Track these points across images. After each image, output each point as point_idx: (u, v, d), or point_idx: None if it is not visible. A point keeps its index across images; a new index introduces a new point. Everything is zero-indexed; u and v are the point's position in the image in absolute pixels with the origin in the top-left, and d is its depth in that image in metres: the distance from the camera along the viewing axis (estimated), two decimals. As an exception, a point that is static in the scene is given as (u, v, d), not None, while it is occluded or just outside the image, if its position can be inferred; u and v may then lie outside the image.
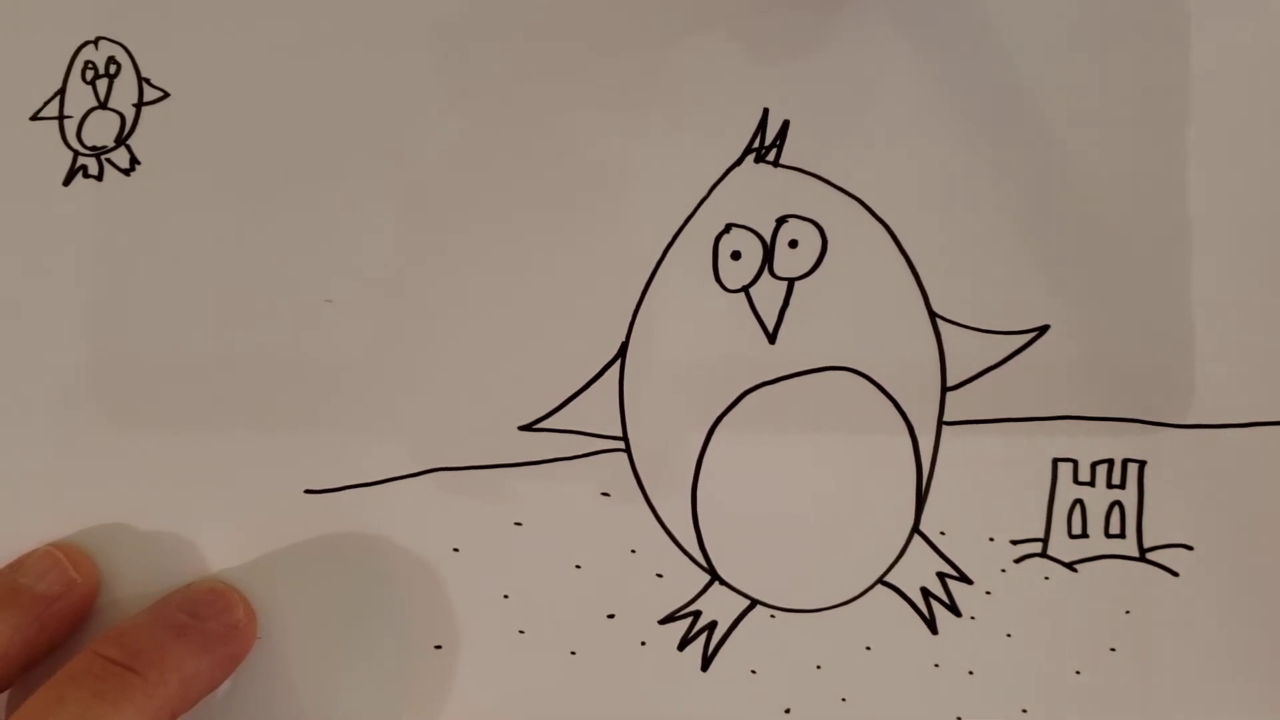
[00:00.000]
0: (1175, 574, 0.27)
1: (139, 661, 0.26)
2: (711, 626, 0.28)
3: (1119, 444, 0.27)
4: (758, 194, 0.28)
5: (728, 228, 0.28)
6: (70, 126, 0.30)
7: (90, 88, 0.30)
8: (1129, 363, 0.27)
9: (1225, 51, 0.27)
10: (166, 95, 0.30)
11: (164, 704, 0.26)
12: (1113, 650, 0.27)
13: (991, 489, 0.27)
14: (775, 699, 0.28)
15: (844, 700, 0.27)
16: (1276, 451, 0.27)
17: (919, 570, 0.27)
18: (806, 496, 0.28)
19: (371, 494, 0.29)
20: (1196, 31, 0.27)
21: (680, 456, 0.28)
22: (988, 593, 0.27)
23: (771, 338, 0.28)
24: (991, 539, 0.27)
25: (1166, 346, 0.27)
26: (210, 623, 0.28)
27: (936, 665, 0.27)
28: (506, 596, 0.28)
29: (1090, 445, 0.27)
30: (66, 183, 0.30)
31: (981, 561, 0.27)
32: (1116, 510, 0.27)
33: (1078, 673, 0.27)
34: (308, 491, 0.29)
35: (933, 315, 0.27)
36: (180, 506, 0.29)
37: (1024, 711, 0.27)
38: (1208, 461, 0.27)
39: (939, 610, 0.27)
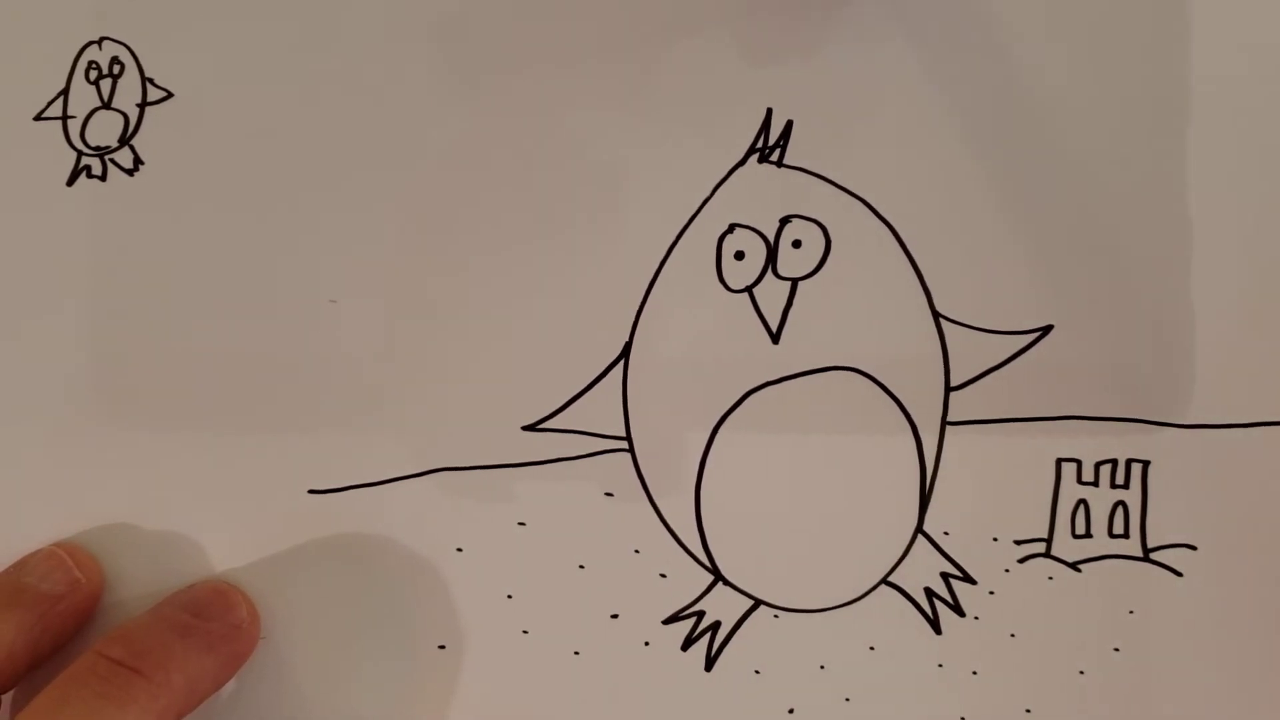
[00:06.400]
0: (1179, 574, 0.27)
1: (143, 662, 0.26)
2: (715, 627, 0.28)
3: (1122, 444, 0.27)
4: (761, 194, 0.28)
5: (731, 228, 0.28)
6: (74, 127, 0.30)
7: (94, 88, 0.30)
8: (1132, 363, 0.27)
9: (1226, 51, 0.27)
10: (170, 95, 0.30)
11: (168, 705, 0.26)
12: (1116, 650, 0.27)
13: (995, 489, 0.27)
14: (779, 699, 0.28)
15: (847, 700, 0.27)
16: (1280, 451, 0.27)
17: (923, 570, 0.27)
18: (810, 496, 0.28)
19: (375, 494, 0.29)
20: (1197, 31, 0.27)
21: (683, 456, 0.28)
22: (991, 593, 0.27)
23: (775, 338, 0.28)
24: (995, 539, 0.27)
25: (1170, 346, 0.27)
26: (214, 623, 0.28)
27: (940, 665, 0.27)
28: (510, 596, 0.28)
29: (1094, 445, 0.27)
30: (70, 183, 0.30)
31: (985, 561, 0.27)
32: (1120, 510, 0.27)
33: (1081, 673, 0.27)
34: (311, 491, 0.29)
35: (936, 315, 0.27)
36: (184, 506, 0.29)
37: (1027, 711, 0.27)
38: (1212, 462, 0.27)
39: (943, 610, 0.27)
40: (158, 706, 0.26)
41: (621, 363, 0.28)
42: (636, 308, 0.28)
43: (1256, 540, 0.27)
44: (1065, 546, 0.27)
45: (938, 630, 0.27)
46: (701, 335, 0.28)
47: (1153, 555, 0.27)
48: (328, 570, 0.29)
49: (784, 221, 0.28)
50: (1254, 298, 0.27)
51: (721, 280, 0.28)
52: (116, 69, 0.30)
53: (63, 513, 0.30)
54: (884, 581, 0.28)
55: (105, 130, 0.30)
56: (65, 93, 0.30)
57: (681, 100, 0.28)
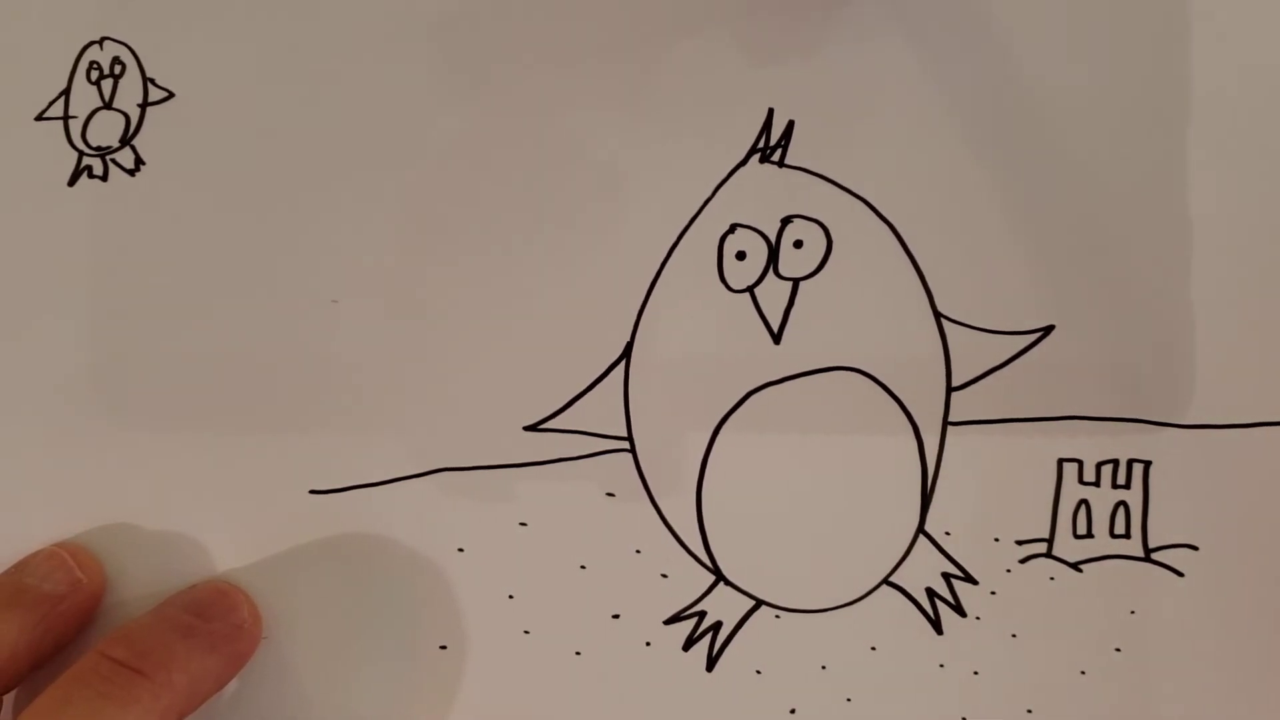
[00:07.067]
0: (1180, 574, 0.27)
1: (146, 662, 0.26)
2: (716, 627, 0.28)
3: (1124, 444, 0.27)
4: (762, 194, 0.28)
5: (732, 228, 0.28)
6: (75, 127, 0.30)
7: (95, 88, 0.30)
8: (1134, 363, 0.27)
9: (1225, 51, 0.27)
10: (171, 95, 0.30)
11: (171, 705, 0.26)
12: (1117, 650, 0.27)
13: (997, 489, 0.27)
14: (780, 699, 0.28)
15: (849, 700, 0.27)
16: (1282, 452, 0.27)
17: (924, 570, 0.27)
18: (811, 497, 0.28)
19: (377, 494, 0.29)
20: (1197, 31, 0.27)
21: (685, 457, 0.28)
22: (993, 593, 0.27)
23: (776, 338, 0.28)
24: (996, 539, 0.27)
25: (1171, 346, 0.27)
26: (216, 623, 0.28)
27: (941, 665, 0.27)
28: (511, 597, 0.28)
29: (1095, 445, 0.27)
30: (71, 183, 0.30)
31: (986, 562, 0.27)
32: (1121, 510, 0.27)
33: (1082, 673, 0.27)
34: (313, 492, 0.29)
35: (938, 315, 0.27)
36: (186, 507, 0.29)
37: (1029, 712, 0.27)
38: (1213, 462, 0.27)
39: (944, 610, 0.27)
40: (160, 706, 0.26)
41: (623, 363, 0.28)
42: (638, 308, 0.28)
43: (1258, 540, 0.27)
44: (1067, 547, 0.27)
45: (939, 630, 0.27)
46: (703, 335, 0.28)
47: (1154, 555, 0.27)
48: (329, 570, 0.29)
49: (785, 221, 0.28)
50: (1254, 298, 0.27)
51: (723, 280, 0.28)
52: (118, 69, 0.30)
53: (64, 513, 0.30)
54: (885, 582, 0.28)
55: (106, 130, 0.30)
56: (66, 93, 0.30)
57: (682, 100, 0.28)
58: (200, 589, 0.29)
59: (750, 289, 0.28)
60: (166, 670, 0.26)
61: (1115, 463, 0.27)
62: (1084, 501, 0.27)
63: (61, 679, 0.26)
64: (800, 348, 0.28)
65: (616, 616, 0.28)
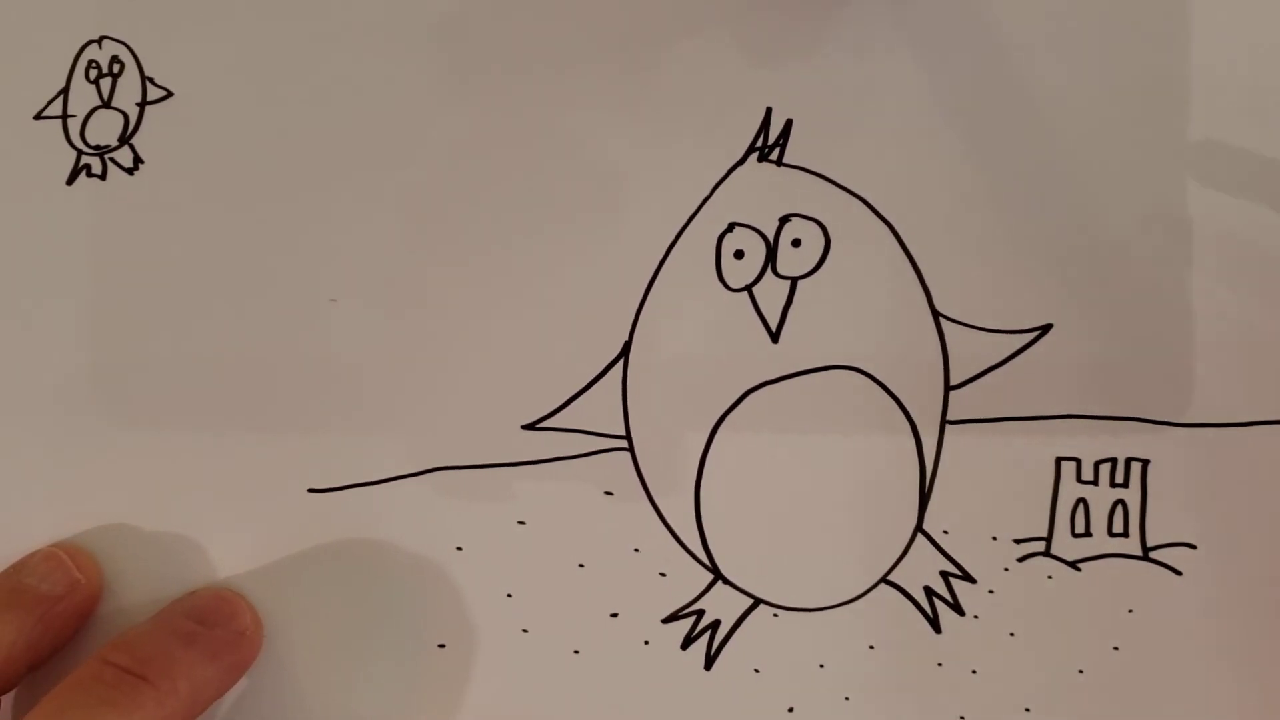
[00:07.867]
0: (1179, 573, 0.27)
1: (149, 669, 0.26)
2: (715, 625, 0.28)
3: (1122, 443, 0.27)
4: (761, 193, 0.28)
5: (731, 227, 0.28)
6: (74, 125, 0.30)
7: (94, 87, 0.30)
8: (1132, 362, 0.27)
9: (1225, 50, 0.27)
10: (170, 94, 0.30)
11: (174, 711, 0.26)
12: (1116, 649, 0.27)
13: (995, 488, 0.27)
14: (778, 698, 0.28)
15: (847, 699, 0.27)
16: None
17: (922, 569, 0.27)
18: (809, 495, 0.28)
19: (375, 493, 0.29)
20: (1196, 30, 0.27)
21: (683, 455, 0.28)
22: (991, 592, 0.27)
23: (774, 337, 0.28)
24: (995, 538, 0.27)
25: (1170, 345, 0.27)
26: (217, 630, 0.28)
27: (939, 664, 0.27)
28: (510, 595, 0.28)
29: (1093, 444, 0.27)
30: (70, 182, 0.30)
31: (985, 560, 0.27)
32: (1120, 509, 0.27)
33: (1081, 672, 0.27)
34: (311, 491, 0.29)
35: (936, 314, 0.27)
36: (184, 506, 0.29)
37: (1027, 711, 0.27)
38: (1211, 460, 0.27)
39: (942, 609, 0.27)
40: (163, 713, 0.25)
41: (621, 361, 0.28)
42: (636, 306, 0.28)
43: (1256, 539, 0.27)
44: (1065, 545, 0.27)
45: (937, 629, 0.27)
46: (701, 334, 0.28)
47: (1152, 554, 0.27)
48: (327, 569, 0.29)
49: (783, 220, 0.28)
50: (1253, 298, 0.27)
51: (721, 279, 0.28)
52: (116, 68, 0.30)
53: (62, 513, 0.30)
54: (883, 580, 0.28)
55: (105, 129, 0.30)
56: (65, 91, 0.30)
57: (681, 100, 0.28)
58: (201, 595, 0.28)
59: (748, 288, 0.28)
60: (170, 677, 0.26)
61: (1113, 461, 0.27)
62: (1082, 500, 0.27)
63: (62, 685, 0.26)
64: (798, 346, 0.28)
65: (615, 615, 0.28)
